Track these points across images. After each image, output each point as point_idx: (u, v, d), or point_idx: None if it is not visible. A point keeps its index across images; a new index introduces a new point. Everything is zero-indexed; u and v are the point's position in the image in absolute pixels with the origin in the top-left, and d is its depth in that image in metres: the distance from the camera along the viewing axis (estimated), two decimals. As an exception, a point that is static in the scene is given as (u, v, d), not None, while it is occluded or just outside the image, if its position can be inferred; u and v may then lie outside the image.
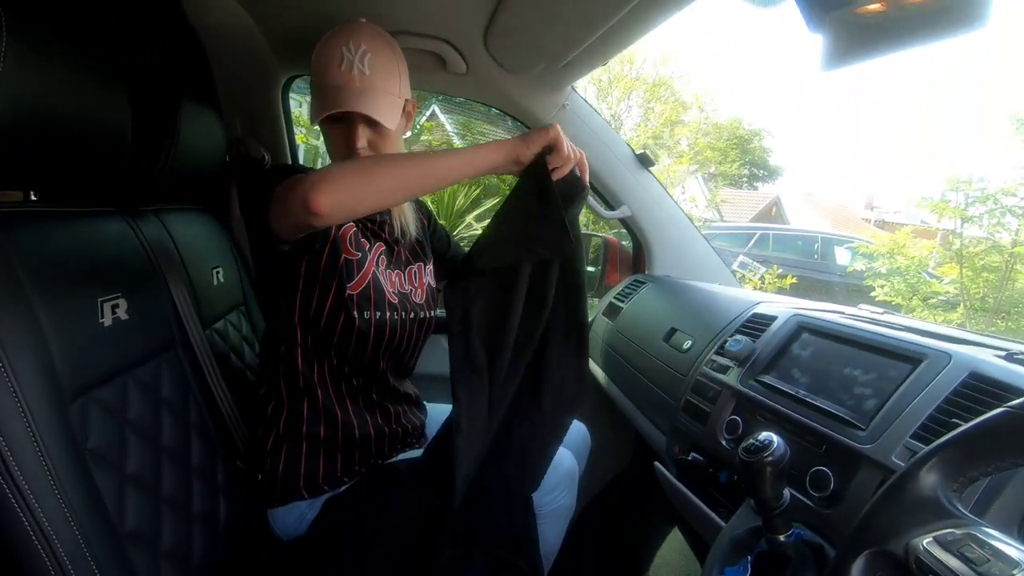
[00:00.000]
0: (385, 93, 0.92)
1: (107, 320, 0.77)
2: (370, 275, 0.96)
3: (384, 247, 1.04)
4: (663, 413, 1.12)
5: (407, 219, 1.10)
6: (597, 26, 1.05)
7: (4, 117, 0.61)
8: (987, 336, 1.08)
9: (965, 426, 0.44)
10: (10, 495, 0.58)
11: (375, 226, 1.04)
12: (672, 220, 1.61)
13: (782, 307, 1.02)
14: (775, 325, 0.95)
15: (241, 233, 1.39)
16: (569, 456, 1.15)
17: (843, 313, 1.00)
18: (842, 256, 7.50)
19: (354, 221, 0.99)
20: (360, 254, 0.96)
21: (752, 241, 8.14)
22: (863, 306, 1.37)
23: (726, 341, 0.99)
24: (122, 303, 0.81)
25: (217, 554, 0.89)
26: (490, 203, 7.22)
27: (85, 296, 0.74)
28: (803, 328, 0.90)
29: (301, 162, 1.13)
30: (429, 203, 7.05)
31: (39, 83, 0.65)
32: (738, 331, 1.02)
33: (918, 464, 0.45)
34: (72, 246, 0.76)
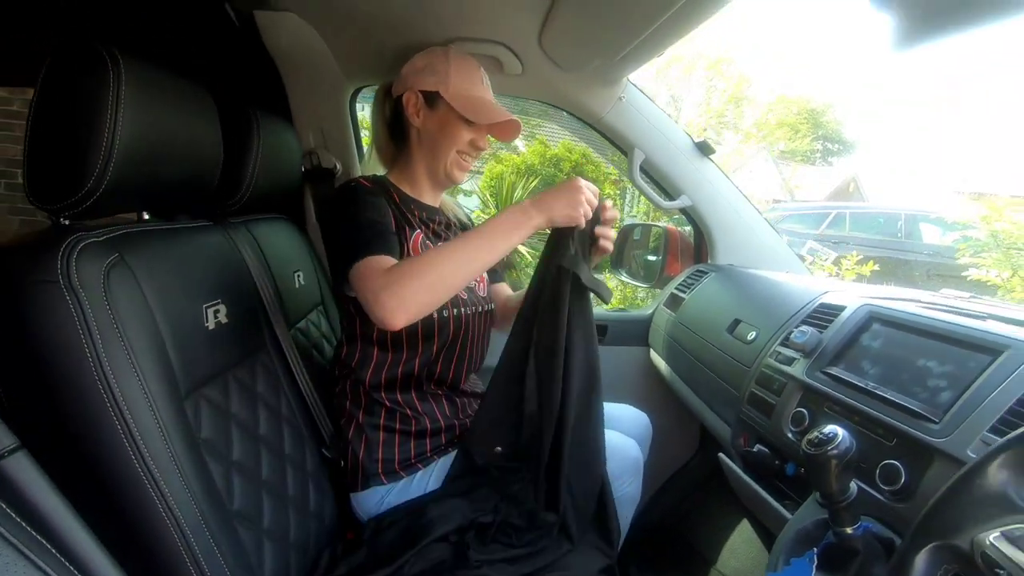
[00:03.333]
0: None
1: (211, 324, 0.86)
2: None
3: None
4: (728, 405, 1.11)
5: (458, 212, 1.24)
6: (652, 19, 1.05)
7: (125, 152, 0.70)
8: None
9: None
10: (143, 476, 0.68)
11: (435, 223, 1.13)
12: (734, 207, 1.57)
13: (851, 296, 0.99)
14: (844, 315, 0.93)
15: (317, 238, 1.49)
16: (634, 445, 1.18)
17: (919, 302, 0.96)
18: (929, 234, 6.93)
19: (421, 224, 1.06)
20: None
21: (827, 222, 7.67)
22: (946, 291, 1.30)
23: (792, 332, 0.97)
24: (222, 308, 0.90)
25: (309, 533, 0.98)
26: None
27: (193, 303, 0.84)
28: (874, 318, 0.88)
29: (367, 159, 1.24)
30: (488, 195, 7.16)
31: (151, 119, 0.74)
32: (804, 321, 1.00)
33: (989, 458, 0.45)
34: (179, 258, 0.86)
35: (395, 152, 1.17)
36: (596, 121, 1.50)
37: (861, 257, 3.99)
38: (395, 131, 1.15)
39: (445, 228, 1.16)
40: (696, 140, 1.53)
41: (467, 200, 7.14)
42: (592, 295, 0.96)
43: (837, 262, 4.23)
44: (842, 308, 0.95)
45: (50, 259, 0.65)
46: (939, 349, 0.75)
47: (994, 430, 0.61)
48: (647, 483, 1.22)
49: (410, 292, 0.81)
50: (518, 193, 6.85)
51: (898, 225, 7.18)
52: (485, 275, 1.19)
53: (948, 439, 0.65)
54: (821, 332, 0.93)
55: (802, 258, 1.70)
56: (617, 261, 1.95)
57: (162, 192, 0.86)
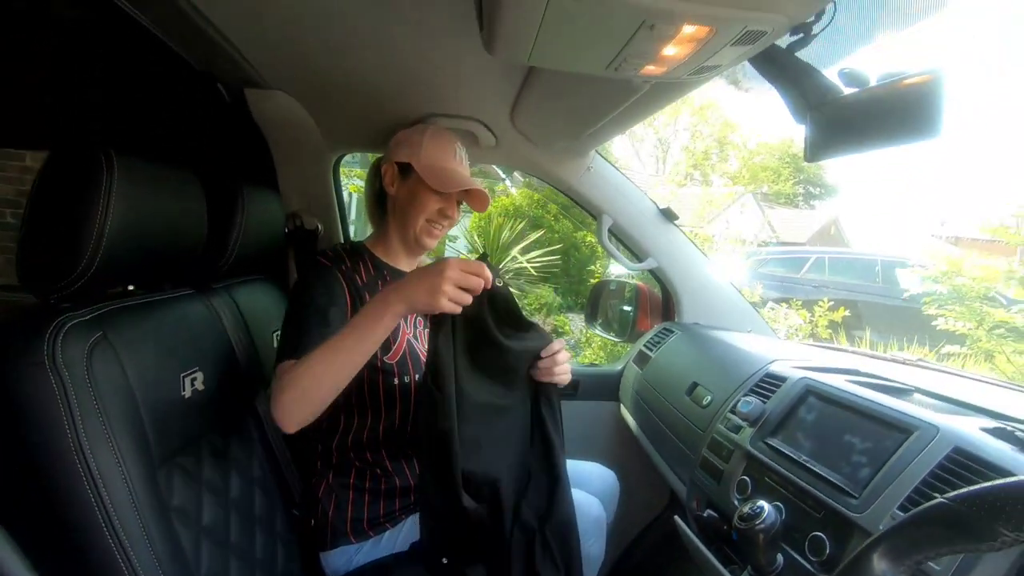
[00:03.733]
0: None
1: (188, 392, 0.91)
2: (404, 343, 1.08)
3: None
4: (685, 467, 1.16)
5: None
6: (614, 106, 1.15)
7: (114, 239, 0.76)
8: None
9: (907, 515, 0.49)
10: (112, 547, 0.71)
11: None
12: (698, 270, 1.66)
13: (793, 367, 1.06)
14: (785, 387, 0.99)
15: (298, 296, 1.55)
16: (597, 504, 1.22)
17: (857, 373, 1.03)
18: (905, 279, 7.13)
19: (390, 283, 1.11)
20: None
21: (807, 265, 7.87)
22: (896, 353, 1.38)
23: (739, 400, 1.04)
24: (199, 375, 0.95)
25: (275, 595, 1.00)
26: (535, 235, 7.36)
27: (172, 373, 0.89)
28: (810, 391, 0.94)
29: (353, 210, 1.33)
30: (475, 236, 7.27)
31: (139, 208, 0.81)
32: (752, 390, 1.06)
33: (869, 548, 0.50)
34: (161, 329, 0.91)
35: (378, 219, 1.24)
36: (567, 189, 1.59)
37: (832, 303, 4.11)
38: (379, 200, 1.23)
39: None
40: (660, 207, 1.62)
41: (454, 245, 7.22)
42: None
43: (810, 308, 4.35)
44: (784, 379, 1.01)
45: (37, 341, 0.70)
46: (862, 426, 0.81)
47: (903, 508, 0.67)
48: (616, 540, 1.25)
49: (289, 400, 0.86)
50: (505, 235, 6.97)
51: (875, 270, 7.39)
52: None
53: (865, 514, 0.70)
54: (764, 402, 0.99)
55: (786, 302, 1.77)
56: (591, 315, 2.02)
57: (147, 267, 0.92)
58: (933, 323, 3.83)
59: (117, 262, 0.80)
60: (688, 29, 0.67)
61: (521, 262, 6.91)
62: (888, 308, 6.55)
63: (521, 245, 7.07)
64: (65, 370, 0.70)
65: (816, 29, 0.69)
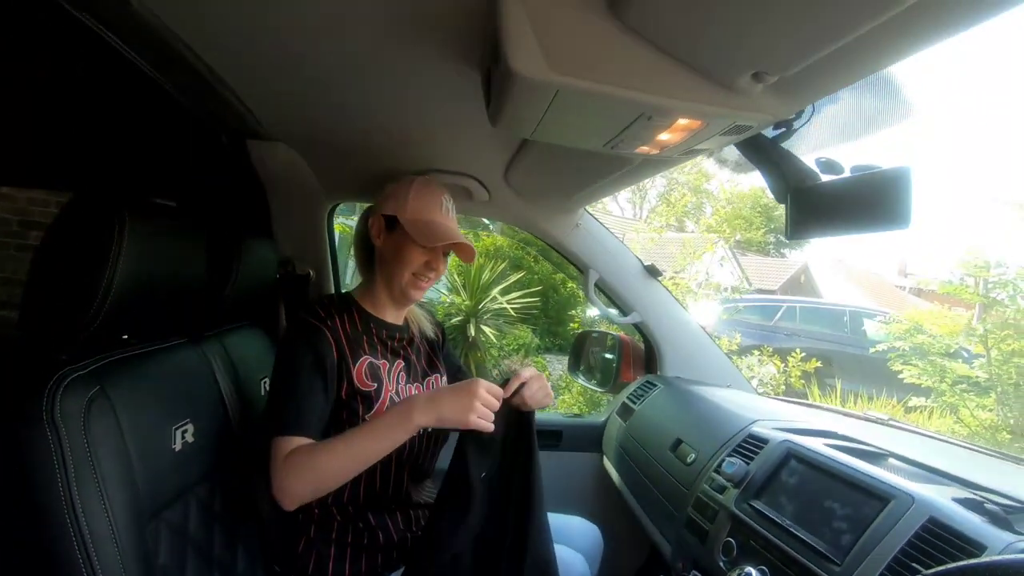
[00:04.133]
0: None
1: (178, 445, 0.90)
2: (387, 401, 1.09)
3: (403, 363, 1.17)
4: (670, 524, 1.18)
5: (423, 326, 1.29)
6: (605, 174, 1.21)
7: (122, 287, 0.77)
8: (994, 453, 1.14)
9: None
10: None
11: (394, 341, 1.19)
12: (680, 325, 1.71)
13: (775, 429, 1.10)
14: (767, 449, 1.03)
15: (286, 341, 1.55)
16: (580, 560, 1.22)
17: (834, 435, 1.07)
18: (872, 329, 7.37)
19: (367, 349, 1.13)
20: (376, 384, 1.09)
21: (779, 314, 8.08)
22: (870, 412, 1.44)
23: (724, 460, 1.07)
24: (190, 427, 0.94)
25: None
26: (515, 276, 7.42)
27: (164, 426, 0.88)
28: (791, 455, 0.98)
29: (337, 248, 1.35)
30: (456, 276, 7.31)
31: (146, 264, 0.82)
32: (735, 451, 1.10)
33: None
34: (155, 382, 0.91)
35: (366, 270, 1.26)
36: (556, 244, 1.65)
37: (804, 354, 4.23)
38: (367, 251, 1.24)
39: (406, 345, 1.21)
40: (645, 264, 1.68)
41: (435, 284, 7.22)
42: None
43: (783, 356, 4.46)
44: (766, 441, 1.05)
45: (37, 397, 0.70)
46: (842, 492, 0.85)
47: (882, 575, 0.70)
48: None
49: (295, 484, 0.92)
50: (485, 275, 7.01)
51: (844, 320, 7.63)
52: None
53: (847, 582, 0.73)
54: (748, 464, 1.02)
55: (759, 349, 1.82)
56: (574, 365, 2.05)
57: (146, 318, 0.93)
58: (900, 376, 3.96)
59: (120, 314, 0.80)
60: (682, 121, 0.73)
61: (501, 302, 6.94)
62: (857, 358, 6.74)
63: (501, 285, 7.11)
64: (63, 426, 0.70)
65: (796, 125, 0.76)
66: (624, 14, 0.63)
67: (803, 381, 4.44)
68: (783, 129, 0.79)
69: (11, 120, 1.40)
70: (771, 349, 4.67)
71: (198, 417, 0.97)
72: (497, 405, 0.96)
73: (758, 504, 0.94)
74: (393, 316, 1.21)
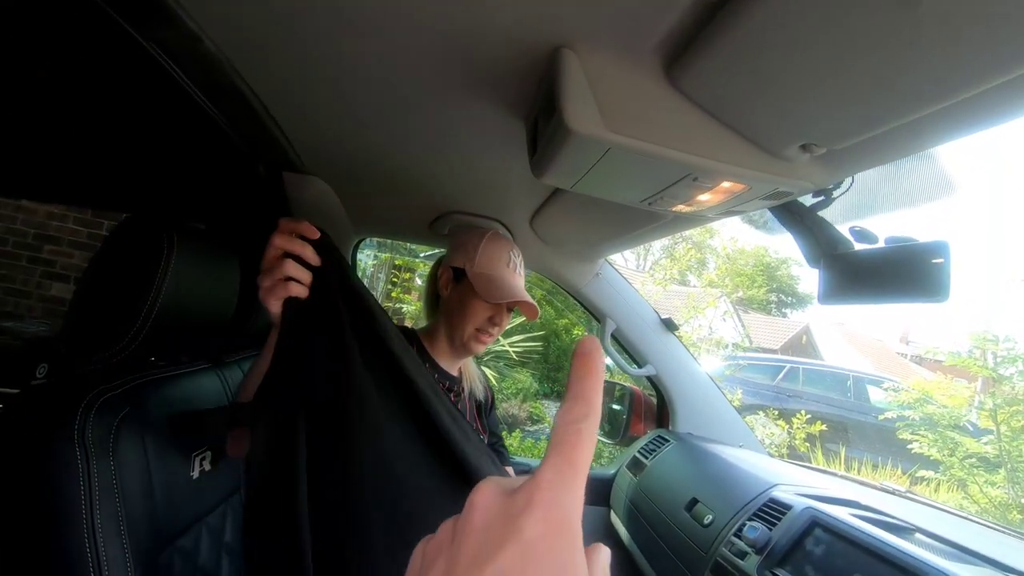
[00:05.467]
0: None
1: (196, 473, 0.89)
2: None
3: None
4: (684, 589, 1.14)
5: (475, 385, 1.28)
6: (633, 228, 1.23)
7: (162, 309, 0.78)
8: (1014, 533, 1.11)
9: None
10: None
11: (446, 388, 1.18)
12: (694, 381, 1.70)
13: (797, 495, 1.08)
14: (791, 515, 1.01)
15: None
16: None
17: (857, 505, 1.05)
18: (876, 394, 7.30)
19: None
20: None
21: (782, 374, 8.02)
22: (886, 483, 1.41)
23: (744, 524, 1.04)
24: (208, 455, 0.93)
25: None
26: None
27: (185, 453, 0.87)
28: (816, 524, 0.96)
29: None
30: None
31: (187, 285, 0.83)
32: (757, 515, 1.07)
33: None
34: (178, 404, 0.90)
35: (431, 314, 1.27)
36: (575, 292, 1.66)
37: (810, 417, 4.17)
38: (434, 297, 1.26)
39: (453, 397, 1.21)
40: (663, 317, 1.69)
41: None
42: None
43: (786, 418, 4.39)
44: (789, 507, 1.03)
45: (69, 416, 0.69)
46: (873, 567, 0.82)
47: (920, 660, 0.67)
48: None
49: None
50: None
51: (847, 384, 7.55)
52: None
53: (881, 664, 0.70)
54: (771, 529, 1.00)
55: (762, 410, 1.80)
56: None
57: (176, 342, 0.93)
58: (908, 446, 3.89)
59: (157, 336, 0.81)
60: (725, 184, 0.75)
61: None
62: (861, 424, 6.64)
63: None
64: (92, 448, 0.69)
65: (836, 194, 0.78)
66: (679, 80, 0.65)
67: (807, 444, 4.36)
68: (821, 198, 0.81)
69: (62, 138, 1.44)
70: (776, 412, 4.61)
71: (216, 444, 0.96)
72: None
73: (782, 573, 0.91)
74: (448, 364, 1.21)
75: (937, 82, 0.49)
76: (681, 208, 0.88)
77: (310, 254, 0.79)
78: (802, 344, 16.41)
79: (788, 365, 8.21)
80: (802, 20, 0.48)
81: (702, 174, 0.72)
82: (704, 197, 0.81)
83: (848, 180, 0.77)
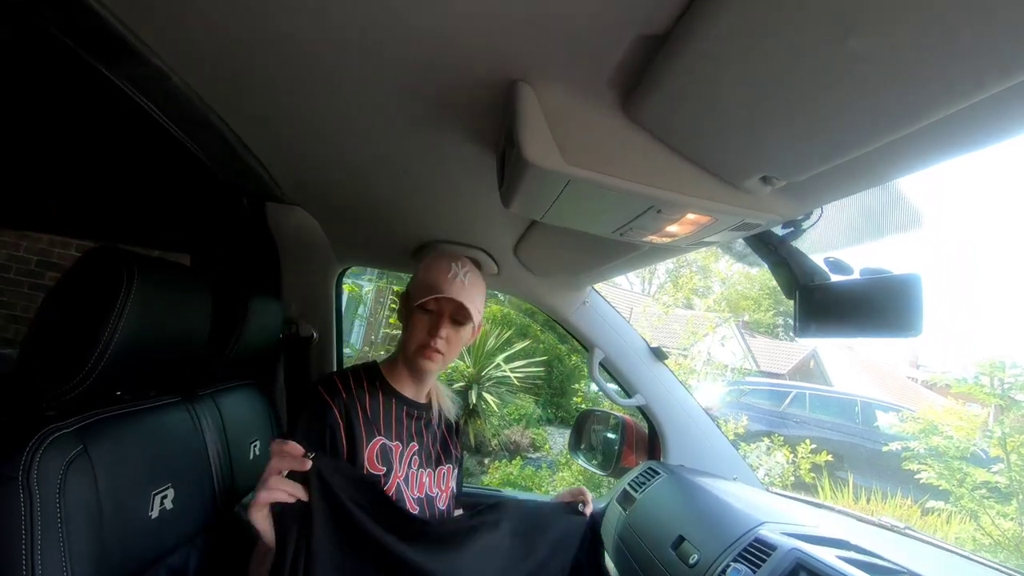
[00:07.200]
0: (473, 303, 1.11)
1: (155, 512, 0.86)
2: (394, 488, 1.05)
3: (418, 446, 1.13)
4: (669, 633, 1.09)
5: (445, 404, 1.24)
6: (613, 257, 1.22)
7: (122, 343, 0.76)
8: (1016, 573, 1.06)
9: None
10: None
11: (413, 420, 1.15)
12: (686, 411, 1.66)
13: (783, 535, 1.03)
14: (775, 557, 0.96)
15: (281, 403, 1.52)
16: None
17: (847, 546, 1.01)
18: (885, 421, 7.15)
19: (383, 429, 1.09)
20: (385, 468, 1.05)
21: (789, 400, 7.90)
22: (884, 518, 1.36)
23: (729, 566, 1.00)
24: (170, 493, 0.91)
25: None
26: (520, 344, 7.38)
27: (143, 492, 0.85)
28: (801, 567, 0.91)
29: (344, 316, 1.33)
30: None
31: (152, 310, 0.82)
32: (741, 555, 1.03)
33: None
34: (141, 443, 0.88)
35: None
36: (562, 320, 1.64)
37: (815, 446, 4.07)
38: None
39: (423, 427, 1.17)
40: (651, 346, 1.66)
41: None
42: None
43: (792, 445, 4.30)
44: (774, 547, 0.99)
45: (15, 455, 0.68)
46: (857, 614, 0.78)
47: None
48: None
49: None
50: (490, 342, 6.97)
51: (855, 411, 7.41)
52: (451, 486, 1.21)
53: None
54: (754, 572, 0.96)
55: (768, 436, 1.75)
56: (575, 444, 1.99)
57: (142, 375, 0.91)
58: (916, 476, 3.78)
59: (118, 369, 0.79)
60: (690, 216, 0.74)
61: (504, 370, 6.86)
62: (870, 452, 6.49)
63: (506, 353, 7.05)
64: (36, 488, 0.67)
65: (805, 225, 0.77)
66: (636, 114, 0.65)
67: (813, 474, 4.26)
68: (791, 228, 0.79)
69: (41, 169, 1.46)
70: (782, 439, 4.51)
71: (180, 482, 0.94)
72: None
73: (765, 620, 0.87)
74: (413, 391, 1.18)
75: (886, 115, 0.48)
76: (652, 239, 0.87)
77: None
78: (810, 369, 16.19)
79: (794, 391, 8.09)
80: (746, 54, 0.47)
81: (665, 207, 0.71)
82: (672, 228, 0.79)
83: (817, 211, 0.75)
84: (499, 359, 6.94)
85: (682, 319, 7.34)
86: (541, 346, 8.27)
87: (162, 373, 0.98)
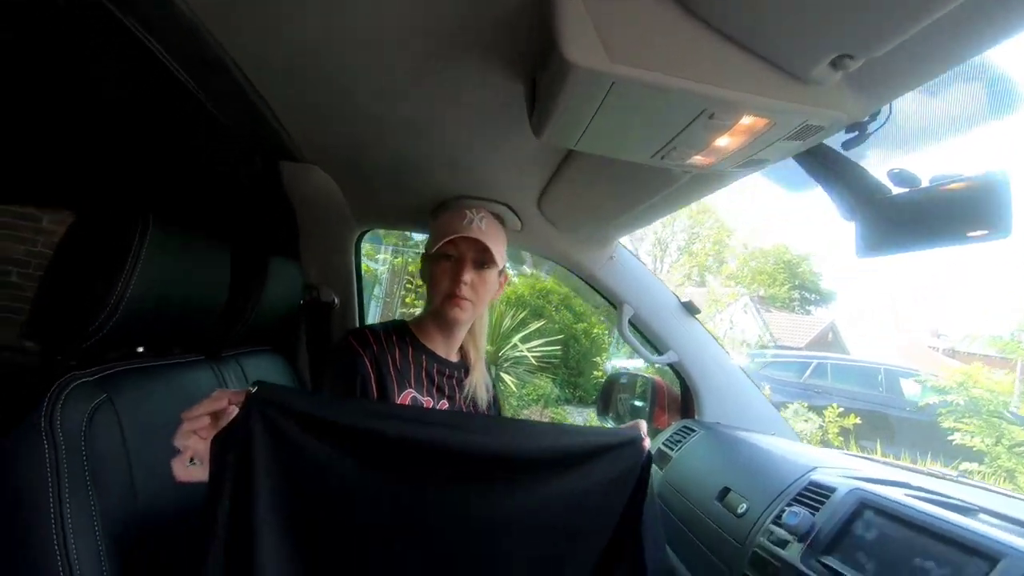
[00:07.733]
0: (494, 244, 1.07)
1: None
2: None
3: (447, 404, 1.09)
4: (720, 585, 1.05)
5: (479, 392, 1.18)
6: (646, 197, 1.15)
7: (136, 297, 0.72)
8: None
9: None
10: None
11: (444, 377, 1.11)
12: (720, 367, 1.61)
13: (840, 476, 0.98)
14: (835, 498, 0.91)
15: (305, 370, 1.49)
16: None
17: (908, 487, 0.95)
18: (909, 388, 7.03)
19: (413, 382, 1.05)
20: None
21: (809, 371, 7.79)
22: (932, 467, 1.30)
23: (783, 511, 0.95)
24: None
25: None
26: (536, 324, 7.34)
27: (170, 448, 0.81)
28: (865, 506, 0.86)
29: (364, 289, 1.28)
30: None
31: (168, 266, 0.78)
32: (796, 500, 0.98)
33: None
34: (167, 398, 0.85)
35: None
36: (588, 277, 1.58)
37: (843, 410, 3.98)
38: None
39: (455, 384, 1.14)
40: (683, 300, 1.60)
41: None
42: None
43: (820, 412, 4.22)
44: (833, 489, 0.93)
45: (36, 403, 0.64)
46: (936, 549, 0.73)
47: (1002, 653, 0.58)
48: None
49: None
50: (507, 323, 6.94)
51: (878, 379, 7.29)
52: None
53: (956, 659, 0.61)
54: (813, 515, 0.90)
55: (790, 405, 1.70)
56: (603, 410, 1.94)
57: (162, 330, 0.87)
58: (949, 438, 3.69)
59: (132, 324, 0.76)
60: (746, 120, 0.67)
61: (522, 350, 6.83)
62: (896, 420, 6.38)
63: (522, 333, 7.02)
64: (61, 437, 0.63)
65: (871, 128, 0.70)
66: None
67: (840, 439, 4.17)
68: (855, 133, 0.73)
69: (49, 131, 1.41)
70: (806, 405, 4.43)
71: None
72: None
73: (830, 561, 0.82)
74: (444, 348, 1.14)
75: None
76: (697, 159, 0.81)
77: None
78: (828, 341, 15.98)
79: (815, 361, 7.97)
80: None
81: (719, 108, 0.64)
82: (722, 142, 0.73)
83: (884, 111, 0.68)
84: (515, 339, 6.91)
85: (698, 296, 7.26)
86: (556, 326, 8.22)
87: (183, 332, 0.95)
